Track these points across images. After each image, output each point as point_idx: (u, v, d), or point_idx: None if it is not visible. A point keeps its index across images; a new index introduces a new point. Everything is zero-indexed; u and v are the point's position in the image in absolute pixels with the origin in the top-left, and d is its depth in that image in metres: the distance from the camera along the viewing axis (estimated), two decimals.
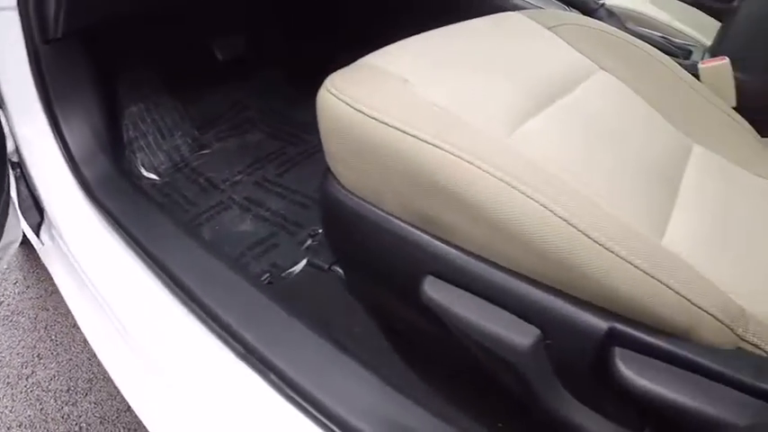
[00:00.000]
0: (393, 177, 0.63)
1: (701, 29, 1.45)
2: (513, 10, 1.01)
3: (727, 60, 1.05)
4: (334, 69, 0.71)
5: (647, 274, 0.54)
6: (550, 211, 0.55)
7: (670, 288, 0.54)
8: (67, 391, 1.33)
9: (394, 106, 0.63)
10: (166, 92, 1.43)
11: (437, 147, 0.59)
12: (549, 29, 0.95)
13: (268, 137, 1.45)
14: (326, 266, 1.07)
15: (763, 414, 0.51)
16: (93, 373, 1.36)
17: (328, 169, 0.72)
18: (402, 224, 0.66)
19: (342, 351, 0.75)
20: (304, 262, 1.09)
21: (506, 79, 0.75)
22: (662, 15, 1.48)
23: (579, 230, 0.54)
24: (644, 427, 0.62)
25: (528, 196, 0.56)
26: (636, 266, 0.54)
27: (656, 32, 1.31)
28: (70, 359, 1.39)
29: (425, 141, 0.59)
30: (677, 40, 1.30)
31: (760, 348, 0.56)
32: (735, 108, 1.05)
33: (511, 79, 0.76)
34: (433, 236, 0.64)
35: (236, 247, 1.14)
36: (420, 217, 0.64)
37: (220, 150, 1.40)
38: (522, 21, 0.96)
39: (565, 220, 0.55)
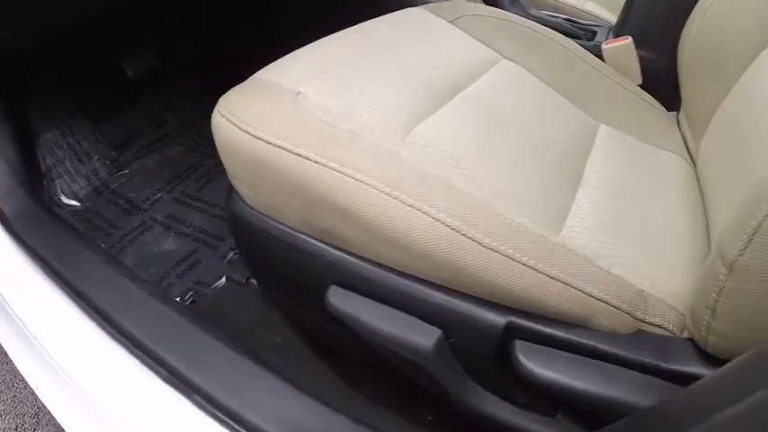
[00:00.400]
0: (287, 194, 0.63)
1: (612, 8, 1.46)
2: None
3: (629, 40, 1.06)
4: (254, 70, 0.72)
5: (536, 270, 0.55)
6: (436, 219, 0.56)
7: (560, 281, 0.54)
8: (15, 429, 1.30)
9: (281, 125, 0.63)
10: (81, 115, 1.40)
11: (319, 163, 0.59)
12: (450, 22, 0.95)
13: (187, 150, 1.43)
14: (244, 280, 1.06)
15: (667, 393, 0.52)
16: (38, 407, 1.33)
17: (232, 187, 0.72)
18: (304, 237, 0.66)
19: (262, 366, 0.74)
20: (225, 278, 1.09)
21: (404, 79, 0.75)
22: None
23: (468, 237, 0.55)
24: (556, 414, 0.63)
25: (411, 206, 0.56)
26: (525, 264, 0.55)
27: (560, 15, 1.33)
28: (14, 396, 1.36)
29: (308, 159, 0.60)
30: (583, 22, 1.31)
31: (662, 328, 0.57)
32: (641, 86, 1.06)
33: (409, 79, 0.76)
34: (334, 247, 0.64)
35: (160, 267, 1.13)
36: (319, 230, 0.64)
37: (140, 169, 1.37)
38: (423, 15, 0.96)
39: (453, 229, 0.55)
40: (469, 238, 0.55)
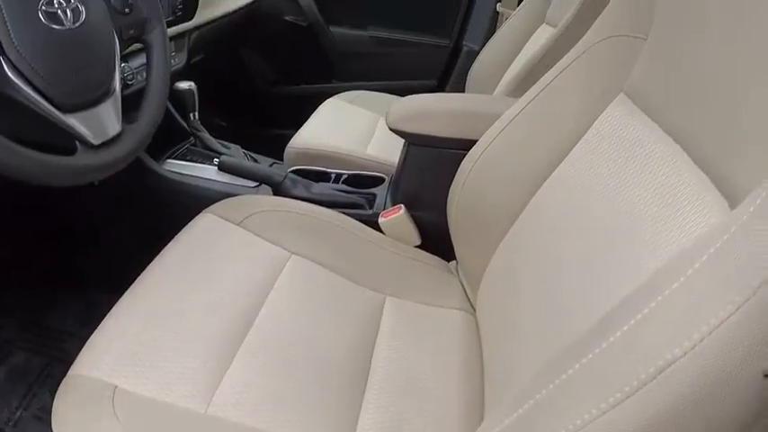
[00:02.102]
0: None
1: (390, 152, 1.57)
2: None
3: (402, 210, 1.21)
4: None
5: None
6: None
7: None
8: None
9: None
10: None
11: None
12: (237, 224, 1.04)
13: (33, 354, 1.40)
14: None
15: None
16: None
17: None
18: None
19: None
20: None
21: (198, 333, 0.86)
22: (357, 147, 1.63)
23: None
24: None
25: None
26: None
27: (345, 171, 1.46)
28: None
29: None
30: (366, 173, 1.46)
31: None
32: (421, 244, 1.21)
33: (202, 329, 0.87)
34: None
35: None
36: None
37: None
38: (212, 222, 1.05)
39: None
40: None
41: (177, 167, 1.50)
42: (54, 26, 0.88)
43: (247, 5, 2.21)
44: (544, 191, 0.90)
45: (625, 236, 0.67)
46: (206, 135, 1.60)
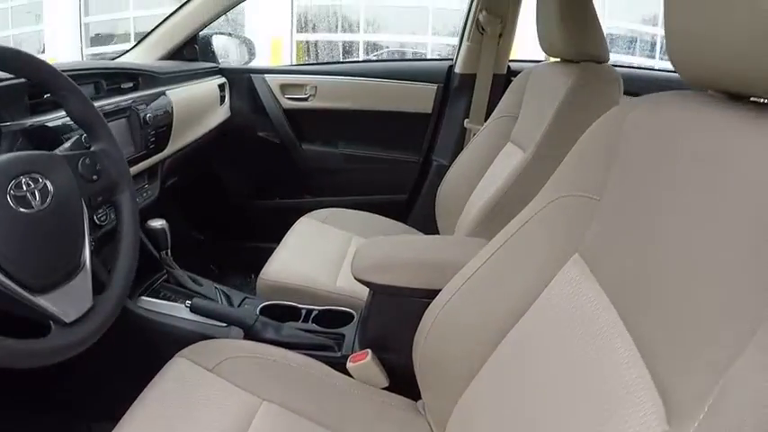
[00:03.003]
0: None
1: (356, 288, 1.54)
2: None
3: (368, 356, 1.22)
4: None
5: None
6: None
7: None
8: None
9: None
10: None
11: None
12: (210, 371, 1.06)
13: None
14: None
15: None
16: None
17: None
18: None
19: None
20: None
21: None
22: (327, 278, 1.65)
23: None
24: None
25: None
26: None
27: (316, 307, 1.49)
28: None
29: None
30: (340, 308, 1.49)
31: None
32: (389, 385, 1.22)
33: None
34: None
35: None
36: None
37: None
38: (185, 367, 1.07)
39: None
40: None
41: (151, 305, 1.52)
42: (22, 209, 0.90)
43: (218, 126, 2.27)
44: (504, 347, 0.92)
45: (567, 408, 0.70)
46: (179, 272, 1.62)
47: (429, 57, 12.26)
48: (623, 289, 0.72)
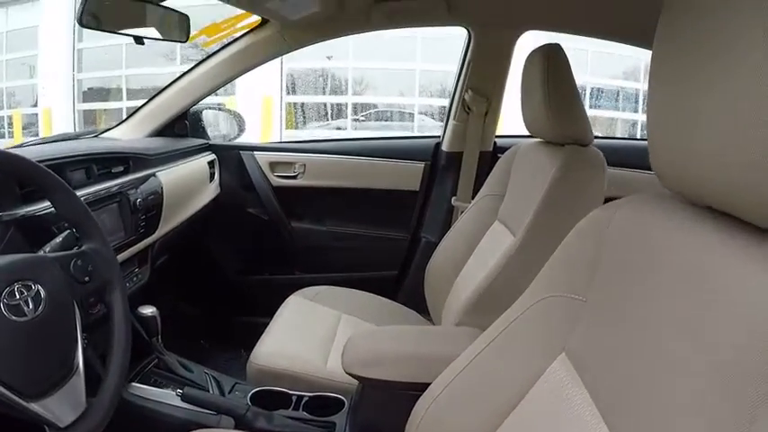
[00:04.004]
0: None
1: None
2: None
3: None
4: None
5: None
6: None
7: None
8: None
9: None
10: None
11: None
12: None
13: None
14: None
15: None
16: None
17: None
18: None
19: None
20: None
21: None
22: (317, 363, 1.65)
23: None
24: None
25: None
26: None
27: (307, 393, 1.49)
28: None
29: None
30: (330, 395, 1.48)
31: None
32: None
33: None
34: None
35: None
36: None
37: None
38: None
39: None
40: None
41: (142, 392, 1.51)
42: (15, 318, 0.91)
43: (208, 204, 2.29)
44: None
45: None
46: (169, 359, 1.62)
47: (416, 113, 12.65)
48: (608, 392, 0.73)
